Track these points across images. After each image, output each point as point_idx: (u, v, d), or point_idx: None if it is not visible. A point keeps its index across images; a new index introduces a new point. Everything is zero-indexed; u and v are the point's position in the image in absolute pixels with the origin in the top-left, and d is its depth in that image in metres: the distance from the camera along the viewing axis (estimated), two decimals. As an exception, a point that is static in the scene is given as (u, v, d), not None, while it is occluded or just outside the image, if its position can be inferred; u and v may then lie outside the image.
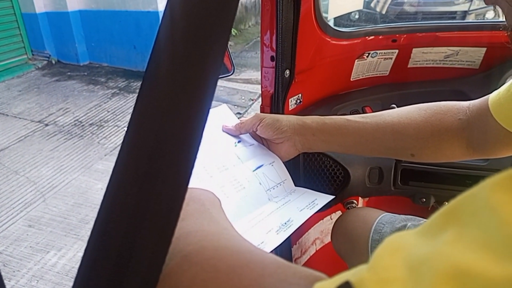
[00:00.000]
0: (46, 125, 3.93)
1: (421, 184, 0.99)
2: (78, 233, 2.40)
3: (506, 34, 0.39)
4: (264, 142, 0.82)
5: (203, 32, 0.30)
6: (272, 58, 0.85)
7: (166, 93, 0.30)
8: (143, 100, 0.30)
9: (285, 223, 0.71)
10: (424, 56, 1.13)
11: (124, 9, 5.07)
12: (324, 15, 0.93)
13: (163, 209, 0.27)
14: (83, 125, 3.94)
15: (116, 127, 3.92)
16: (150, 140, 0.29)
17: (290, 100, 0.97)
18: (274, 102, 0.91)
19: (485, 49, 1.06)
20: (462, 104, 0.71)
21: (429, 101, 0.76)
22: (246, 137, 0.83)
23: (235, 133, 0.81)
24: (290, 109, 0.98)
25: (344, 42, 1.00)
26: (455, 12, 4.23)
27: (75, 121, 4.02)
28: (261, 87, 0.90)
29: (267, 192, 0.77)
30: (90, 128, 3.88)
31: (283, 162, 0.81)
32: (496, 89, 1.00)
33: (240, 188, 0.74)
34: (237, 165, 0.77)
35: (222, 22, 0.31)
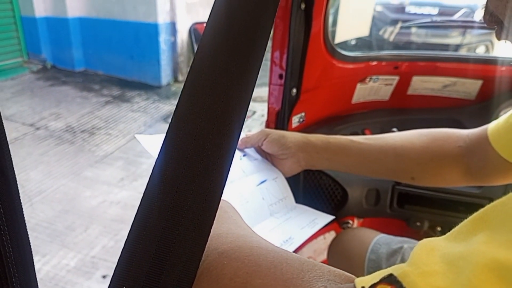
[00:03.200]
0: (37, 129, 3.90)
1: (416, 208, 1.02)
2: (64, 240, 2.37)
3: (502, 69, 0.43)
4: (269, 157, 0.84)
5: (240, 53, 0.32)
6: (280, 76, 0.88)
7: (205, 103, 0.31)
8: (184, 104, 0.31)
9: (287, 240, 0.72)
10: (423, 85, 1.17)
11: (125, 19, 5.11)
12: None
13: (201, 208, 0.29)
14: (74, 131, 3.91)
15: (108, 135, 3.90)
16: (189, 144, 0.30)
17: (293, 118, 0.99)
18: (279, 119, 0.93)
19: (481, 81, 1.11)
20: (461, 132, 0.74)
21: (426, 128, 0.79)
22: (251, 151, 0.84)
23: (241, 146, 0.83)
24: (293, 127, 1.01)
25: (349, 66, 1.03)
26: (448, 45, 4.39)
27: (66, 126, 3.99)
28: (268, 104, 0.93)
29: (269, 207, 0.78)
30: (82, 135, 3.86)
31: (285, 178, 0.82)
32: (491, 120, 1.04)
33: (244, 201, 0.75)
34: (241, 178, 0.78)
35: (257, 50, 0.33)
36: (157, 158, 0.31)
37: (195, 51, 0.34)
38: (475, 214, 0.24)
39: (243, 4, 0.33)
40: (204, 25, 0.95)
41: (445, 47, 4.38)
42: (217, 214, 0.39)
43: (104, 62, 5.52)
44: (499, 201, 0.23)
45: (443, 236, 0.25)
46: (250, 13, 0.33)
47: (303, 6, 0.81)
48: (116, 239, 2.38)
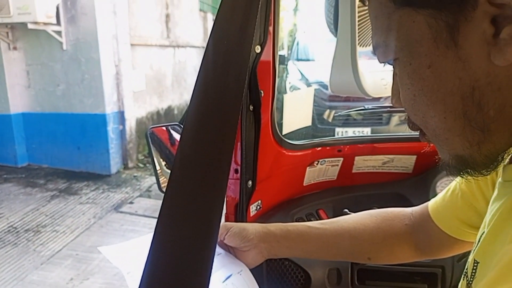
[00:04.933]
0: (-24, 232, 3.62)
1: (376, 283, 1.06)
2: None
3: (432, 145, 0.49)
4: (231, 250, 0.85)
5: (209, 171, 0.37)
6: (236, 171, 0.93)
7: (180, 229, 0.35)
8: (160, 236, 0.35)
9: None
10: (365, 163, 1.27)
11: (70, 112, 5.10)
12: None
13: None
14: (17, 231, 3.66)
15: (54, 232, 3.69)
16: (168, 271, 0.33)
17: (251, 207, 1.04)
18: (238, 210, 0.97)
19: (415, 156, 1.23)
20: (406, 210, 0.82)
21: (373, 203, 0.86)
22: None
23: (204, 243, 0.84)
24: (251, 215, 1.04)
25: (297, 153, 1.12)
26: (382, 114, 4.77)
27: (9, 227, 3.74)
28: (226, 197, 0.97)
29: None
30: (26, 235, 3.62)
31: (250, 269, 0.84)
32: (429, 191, 1.14)
33: None
34: None
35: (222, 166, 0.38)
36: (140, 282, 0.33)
37: (172, 166, 0.38)
38: None
39: (212, 118, 0.39)
40: (160, 128, 1.00)
41: (380, 116, 4.76)
42: None
43: (49, 155, 5.37)
44: None
45: None
46: (218, 125, 0.38)
47: (251, 107, 0.90)
48: None
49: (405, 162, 1.26)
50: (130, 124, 5.39)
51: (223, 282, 0.78)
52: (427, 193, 1.16)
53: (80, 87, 4.99)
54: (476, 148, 0.39)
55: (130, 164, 5.47)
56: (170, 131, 0.99)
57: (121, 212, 4.15)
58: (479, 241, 0.48)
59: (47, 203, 4.34)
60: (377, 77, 0.75)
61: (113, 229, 3.78)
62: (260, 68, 0.88)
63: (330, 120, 4.35)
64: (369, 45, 0.73)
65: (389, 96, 0.53)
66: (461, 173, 0.43)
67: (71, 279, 2.91)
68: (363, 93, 0.75)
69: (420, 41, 0.38)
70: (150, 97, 6.00)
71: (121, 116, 5.23)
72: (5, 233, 3.62)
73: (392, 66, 0.45)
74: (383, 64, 0.46)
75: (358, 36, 0.71)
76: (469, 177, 0.44)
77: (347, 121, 4.59)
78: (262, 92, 0.90)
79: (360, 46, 0.72)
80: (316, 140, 1.18)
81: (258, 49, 0.86)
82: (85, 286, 2.80)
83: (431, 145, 0.49)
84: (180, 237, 0.34)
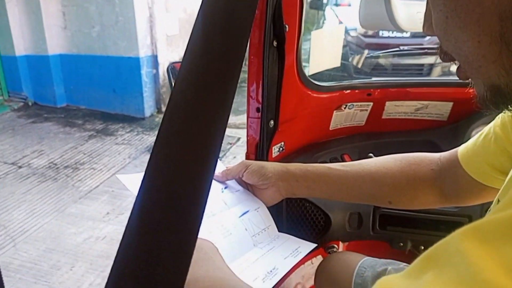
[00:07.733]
0: (20, 167, 3.84)
1: (398, 229, 1.04)
2: (49, 280, 2.31)
3: (471, 90, 0.44)
4: (249, 188, 0.85)
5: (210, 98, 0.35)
6: (258, 110, 0.91)
7: (177, 152, 0.33)
8: (157, 157, 0.33)
9: (271, 271, 0.73)
10: (396, 109, 1.21)
11: (105, 54, 5.15)
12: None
13: (178, 253, 0.30)
14: (57, 168, 3.86)
15: (92, 170, 3.87)
16: (163, 193, 0.32)
17: (273, 148, 1.02)
18: (259, 150, 0.95)
19: (451, 103, 1.16)
20: (434, 156, 0.77)
21: (403, 151, 0.82)
22: (232, 183, 0.86)
23: (222, 179, 0.84)
24: (273, 157, 1.03)
25: (324, 95, 1.07)
26: (422, 65, 4.51)
27: (49, 163, 3.95)
28: (247, 136, 0.95)
29: (253, 238, 0.79)
30: (65, 171, 3.81)
31: (267, 208, 0.84)
32: (463, 141, 1.08)
33: (227, 234, 0.76)
34: (224, 211, 0.80)
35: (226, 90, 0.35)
36: (132, 207, 0.32)
37: (173, 87, 0.36)
38: (425, 252, 0.26)
39: (218, 41, 0.35)
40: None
41: (420, 67, 4.50)
42: (196, 255, 0.41)
43: (86, 96, 5.52)
44: (443, 240, 0.25)
45: (401, 274, 0.27)
46: (224, 45, 0.35)
47: (275, 43, 0.85)
48: (103, 276, 2.33)
49: (440, 109, 1.19)
50: (164, 68, 5.39)
51: (240, 217, 0.79)
52: (461, 142, 1.10)
53: (114, 29, 4.99)
54: None
55: (163, 108, 5.54)
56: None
57: (154, 154, 4.27)
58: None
59: (85, 142, 4.53)
60: (412, 10, 0.69)
61: (146, 170, 3.92)
62: (285, 0, 0.83)
63: (359, 66, 4.05)
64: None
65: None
66: (499, 107, 0.38)
67: (107, 213, 3.08)
68: (395, 27, 0.69)
69: None
70: (183, 42, 5.94)
71: (154, 60, 5.23)
72: (46, 168, 3.83)
73: None
74: None
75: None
76: (508, 113, 0.39)
77: (383, 72, 4.36)
78: (287, 26, 0.85)
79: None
80: (345, 83, 1.12)
81: (284, -22, 0.80)
82: (120, 220, 2.97)
83: (470, 90, 0.44)
84: (177, 158, 0.33)
